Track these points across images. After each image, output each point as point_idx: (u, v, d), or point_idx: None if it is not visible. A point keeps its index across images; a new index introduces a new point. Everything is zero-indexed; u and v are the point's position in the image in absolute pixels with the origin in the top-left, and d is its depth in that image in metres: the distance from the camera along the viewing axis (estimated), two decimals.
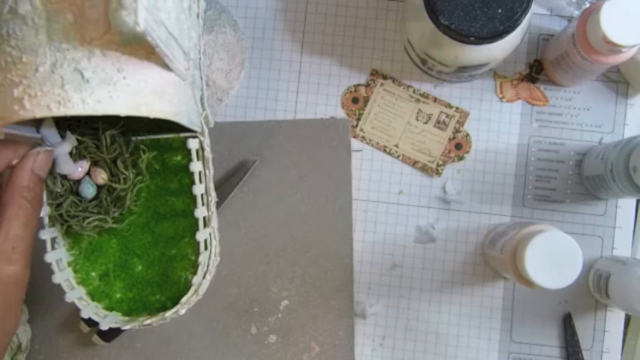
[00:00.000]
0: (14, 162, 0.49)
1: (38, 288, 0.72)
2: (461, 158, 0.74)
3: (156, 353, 0.73)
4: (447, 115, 0.74)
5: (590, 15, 0.63)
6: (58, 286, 0.54)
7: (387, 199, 0.74)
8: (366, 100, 0.74)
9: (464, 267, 0.73)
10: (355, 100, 0.75)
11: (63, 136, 0.52)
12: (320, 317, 0.73)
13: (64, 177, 0.53)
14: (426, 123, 0.74)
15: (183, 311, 0.52)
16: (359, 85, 0.75)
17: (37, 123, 0.51)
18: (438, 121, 0.74)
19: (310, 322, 0.73)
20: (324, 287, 0.73)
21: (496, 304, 0.73)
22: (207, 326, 0.73)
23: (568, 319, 0.71)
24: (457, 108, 0.74)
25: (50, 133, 0.51)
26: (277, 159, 0.74)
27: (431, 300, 0.73)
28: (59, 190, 0.52)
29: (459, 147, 0.74)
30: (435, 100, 0.74)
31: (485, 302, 0.73)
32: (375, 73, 0.75)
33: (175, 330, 0.73)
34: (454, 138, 0.74)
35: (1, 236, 0.47)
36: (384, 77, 0.75)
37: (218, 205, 0.70)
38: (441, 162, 0.74)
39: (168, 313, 0.51)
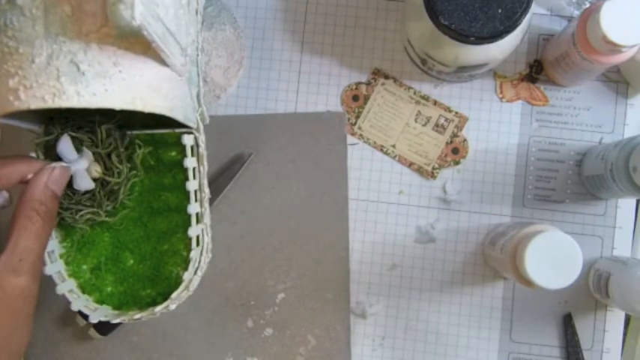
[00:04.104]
0: (29, 176, 0.49)
1: None
2: (457, 163, 0.74)
3: (152, 346, 0.73)
4: (446, 119, 0.74)
5: (590, 15, 0.63)
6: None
7: (387, 199, 0.74)
8: (367, 99, 0.74)
9: (464, 267, 0.73)
10: (355, 98, 0.75)
11: (79, 150, 0.52)
12: (316, 310, 0.73)
13: None
14: (424, 125, 0.74)
15: (173, 307, 0.52)
16: (360, 82, 0.75)
17: (32, 116, 0.52)
18: (436, 125, 0.74)
19: (306, 315, 0.73)
20: (320, 280, 0.73)
21: (496, 304, 0.72)
22: (204, 320, 0.73)
23: (568, 319, 0.71)
24: (456, 113, 0.74)
25: (67, 150, 0.51)
26: (273, 152, 0.74)
27: (431, 300, 0.73)
28: None
29: (455, 152, 0.74)
30: (435, 103, 0.74)
31: (485, 302, 0.72)
32: (376, 72, 0.75)
33: (172, 323, 0.73)
34: (451, 142, 0.74)
35: (9, 248, 0.46)
36: (386, 77, 0.75)
37: (214, 198, 0.70)
38: (437, 165, 0.74)
39: (158, 308, 0.51)
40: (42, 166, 0.49)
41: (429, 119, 0.74)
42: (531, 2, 0.60)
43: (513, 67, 0.74)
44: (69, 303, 0.53)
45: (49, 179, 0.48)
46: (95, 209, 0.53)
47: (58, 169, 0.49)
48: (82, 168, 0.52)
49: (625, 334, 0.71)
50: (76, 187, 0.51)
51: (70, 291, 0.53)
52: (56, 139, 0.51)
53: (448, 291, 0.73)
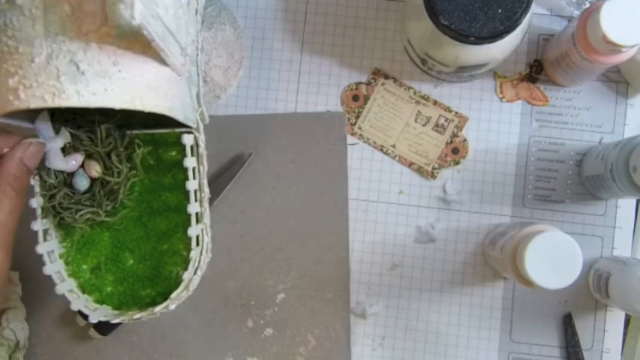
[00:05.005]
0: (4, 150, 0.49)
1: (34, 282, 0.73)
2: (457, 163, 0.74)
3: (152, 346, 0.73)
4: (446, 119, 0.74)
5: (590, 15, 0.63)
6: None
7: (387, 199, 0.74)
8: (367, 99, 0.74)
9: (464, 267, 0.73)
10: (355, 98, 0.75)
11: (58, 131, 0.52)
12: (316, 310, 0.73)
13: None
14: (424, 125, 0.74)
15: (173, 307, 0.52)
16: (360, 82, 0.75)
17: (32, 116, 0.52)
18: (436, 125, 0.74)
19: (306, 315, 0.73)
20: (320, 280, 0.73)
21: (496, 304, 0.72)
22: (204, 320, 0.73)
23: (568, 319, 0.71)
24: (456, 113, 0.74)
25: (44, 127, 0.51)
26: (273, 152, 0.74)
27: (431, 300, 0.73)
28: (53, 182, 0.52)
29: (455, 152, 0.74)
30: (435, 103, 0.74)
31: (485, 302, 0.72)
32: (376, 72, 0.75)
33: (172, 323, 0.73)
34: (451, 142, 0.74)
35: None
36: (386, 77, 0.75)
37: (214, 198, 0.70)
38: (437, 165, 0.74)
39: (158, 308, 0.51)
40: (17, 141, 0.49)
41: (429, 119, 0.74)
42: (531, 2, 0.60)
43: (513, 67, 0.74)
44: (69, 303, 0.53)
45: (24, 155, 0.49)
46: (95, 209, 0.53)
47: (33, 145, 0.49)
48: (57, 146, 0.52)
49: (625, 334, 0.71)
50: (48, 165, 0.51)
51: (70, 291, 0.53)
52: (33, 118, 0.51)
53: (448, 291, 0.73)
